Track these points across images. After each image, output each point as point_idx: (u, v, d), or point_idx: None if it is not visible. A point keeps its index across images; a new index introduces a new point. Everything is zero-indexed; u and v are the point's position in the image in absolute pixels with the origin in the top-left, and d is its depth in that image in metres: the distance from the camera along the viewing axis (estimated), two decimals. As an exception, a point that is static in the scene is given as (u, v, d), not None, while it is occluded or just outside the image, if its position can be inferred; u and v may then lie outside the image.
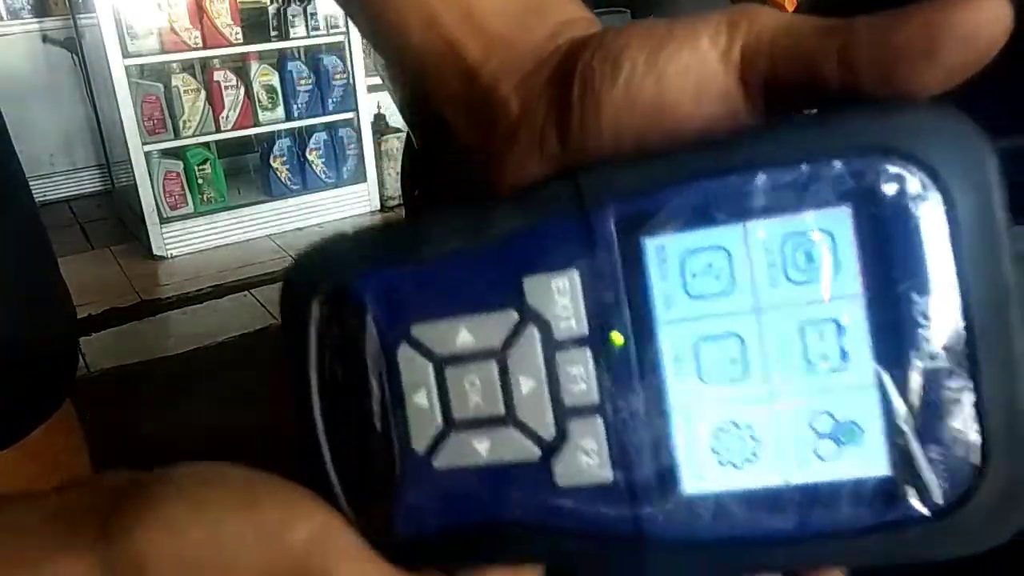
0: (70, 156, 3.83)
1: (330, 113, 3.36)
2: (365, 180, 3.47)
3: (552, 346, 0.22)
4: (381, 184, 3.49)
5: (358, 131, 3.42)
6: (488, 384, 0.23)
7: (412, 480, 0.23)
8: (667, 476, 0.21)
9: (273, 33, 3.21)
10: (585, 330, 0.22)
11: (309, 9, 3.21)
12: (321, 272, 0.24)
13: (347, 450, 0.24)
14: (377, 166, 3.47)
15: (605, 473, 0.22)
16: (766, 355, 0.21)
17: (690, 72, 0.22)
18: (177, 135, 3.12)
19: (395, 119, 3.41)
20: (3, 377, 0.61)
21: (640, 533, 0.22)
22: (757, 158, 0.21)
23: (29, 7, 3.64)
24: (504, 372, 0.23)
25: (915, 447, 0.20)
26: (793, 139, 0.21)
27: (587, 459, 0.22)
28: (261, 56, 3.24)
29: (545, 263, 0.22)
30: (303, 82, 3.26)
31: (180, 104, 3.07)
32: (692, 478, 0.21)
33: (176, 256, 3.15)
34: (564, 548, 0.22)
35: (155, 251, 3.12)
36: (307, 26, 3.23)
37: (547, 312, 0.22)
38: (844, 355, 0.20)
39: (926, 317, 0.20)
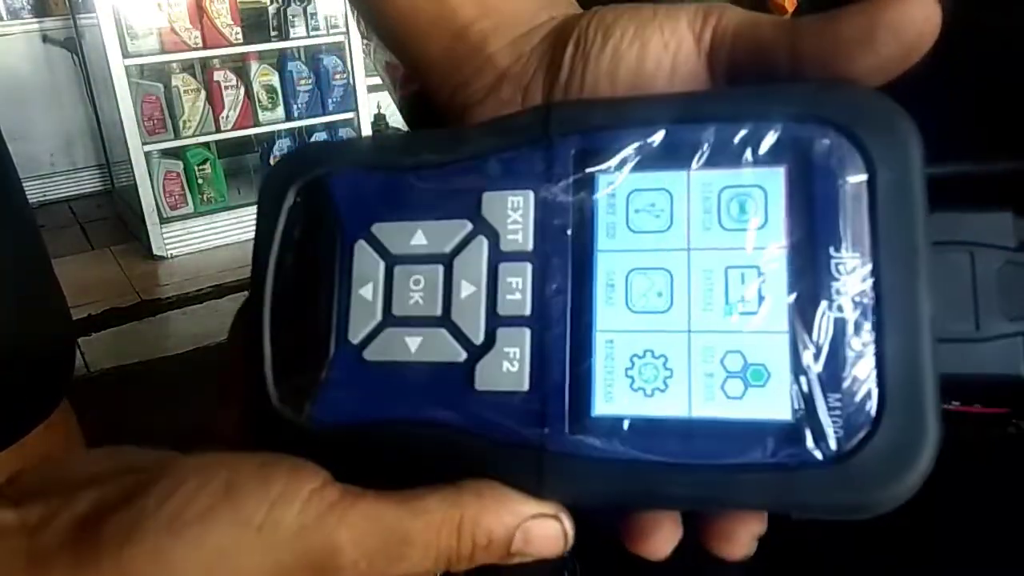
0: (70, 156, 3.83)
1: (330, 113, 3.35)
2: (365, 180, 3.46)
3: (497, 256, 0.24)
4: (381, 184, 3.49)
5: (358, 131, 3.41)
6: (431, 285, 0.24)
7: (341, 369, 0.24)
8: (580, 393, 0.22)
9: (273, 33, 3.21)
10: (530, 246, 0.23)
11: (309, 9, 3.21)
12: (302, 166, 0.26)
13: (286, 330, 0.25)
14: (377, 166, 3.47)
15: (522, 382, 0.23)
16: (691, 292, 0.22)
17: (669, 49, 0.25)
18: (177, 135, 3.12)
19: (395, 119, 3.41)
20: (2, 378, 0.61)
21: (543, 445, 0.22)
22: (709, 114, 0.23)
23: (29, 7, 3.64)
24: (448, 276, 0.24)
25: (816, 394, 0.21)
26: (743, 102, 0.23)
27: (508, 366, 0.23)
28: (261, 56, 3.24)
29: (506, 182, 0.24)
30: (303, 82, 3.26)
31: (180, 104, 3.07)
32: (603, 399, 0.22)
33: (176, 256, 3.14)
34: (470, 450, 0.23)
35: (155, 251, 3.12)
36: (307, 26, 3.23)
37: (498, 224, 0.24)
38: (761, 300, 0.22)
39: (840, 273, 0.21)
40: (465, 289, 0.24)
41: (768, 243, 0.22)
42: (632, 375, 0.22)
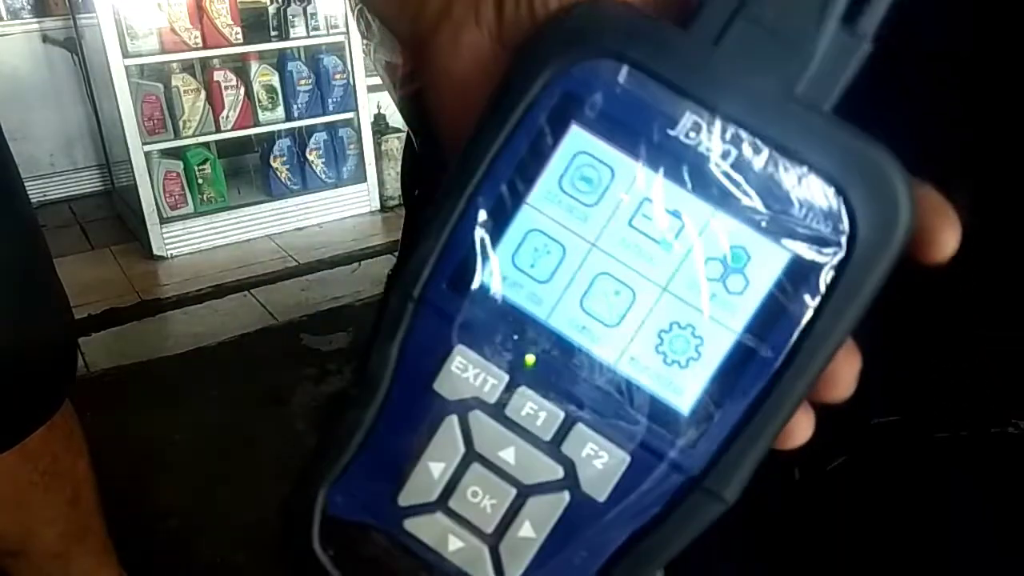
0: (70, 156, 3.83)
1: (330, 113, 3.35)
2: (365, 180, 3.47)
3: (496, 410, 0.23)
4: (381, 184, 3.49)
5: (358, 131, 3.41)
6: (486, 483, 0.23)
7: None
8: (662, 413, 0.22)
9: (273, 33, 3.21)
10: (505, 377, 0.23)
11: (309, 9, 3.21)
12: (302, 524, 0.25)
13: None
14: (377, 166, 3.47)
15: (622, 456, 0.22)
16: (633, 267, 0.22)
17: None
18: (177, 135, 3.12)
19: (395, 119, 3.41)
20: (1, 380, 0.61)
21: (689, 473, 0.22)
22: (489, 154, 0.23)
23: (29, 7, 3.64)
24: (486, 462, 0.23)
25: (805, 219, 0.21)
26: (491, 130, 0.23)
27: (600, 460, 0.23)
28: (261, 56, 3.24)
29: (433, 362, 0.23)
30: (303, 82, 3.26)
31: (180, 104, 3.07)
32: (676, 396, 0.22)
33: (176, 256, 3.15)
34: (660, 544, 0.23)
35: (155, 251, 3.12)
36: (307, 26, 3.23)
37: (468, 392, 0.23)
38: (676, 213, 0.22)
39: (697, 139, 0.22)
40: (508, 455, 0.23)
41: (628, 177, 0.22)
42: (672, 359, 0.22)
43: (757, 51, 0.22)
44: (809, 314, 0.21)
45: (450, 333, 0.23)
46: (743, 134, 0.21)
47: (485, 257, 0.23)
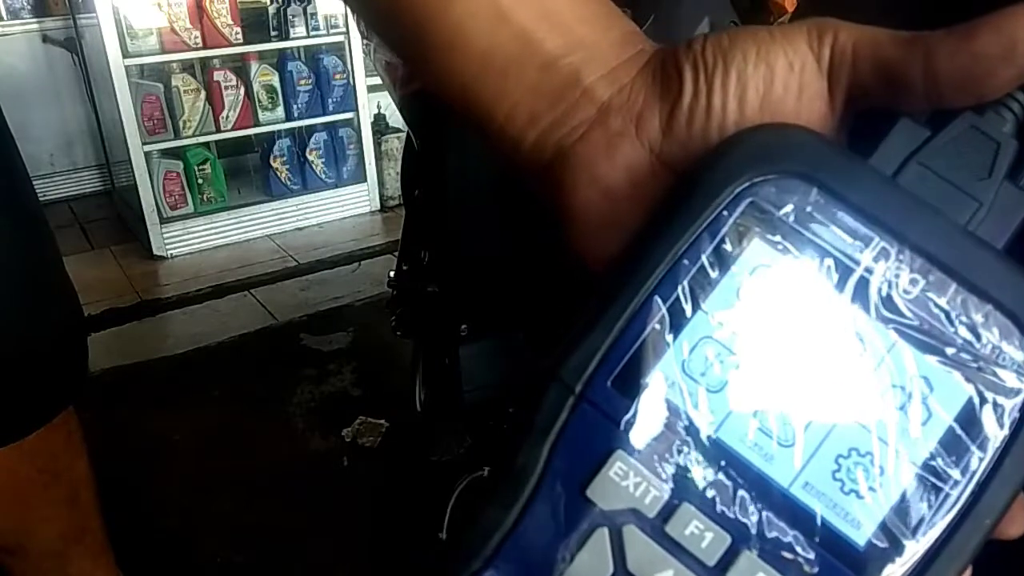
0: (70, 156, 3.83)
1: (330, 113, 3.35)
2: (365, 180, 3.47)
3: (655, 526, 0.21)
4: (381, 184, 3.49)
5: (358, 131, 3.41)
6: None
7: None
8: (836, 545, 0.20)
9: (273, 33, 3.21)
10: (668, 489, 0.21)
11: (309, 9, 3.20)
12: None
13: None
14: (377, 166, 3.47)
15: None
16: (812, 387, 0.21)
17: (794, 69, 0.24)
18: (177, 135, 3.12)
19: (395, 119, 3.40)
20: (8, 377, 0.61)
21: None
22: (667, 257, 0.22)
23: (29, 7, 3.63)
24: None
25: (974, 358, 0.21)
26: (671, 234, 0.22)
27: None
28: (261, 56, 3.24)
29: (589, 465, 0.21)
30: (303, 82, 3.26)
31: (180, 104, 3.07)
32: (853, 528, 0.20)
33: (176, 256, 3.14)
34: None
35: (155, 251, 3.12)
36: (307, 26, 3.23)
37: (626, 502, 0.21)
38: (859, 337, 0.21)
39: (875, 257, 0.22)
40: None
41: (813, 295, 0.21)
42: (850, 487, 0.21)
43: (933, 192, 0.22)
44: (994, 453, 0.20)
45: (611, 436, 0.21)
46: (930, 266, 0.21)
47: (656, 359, 0.21)
